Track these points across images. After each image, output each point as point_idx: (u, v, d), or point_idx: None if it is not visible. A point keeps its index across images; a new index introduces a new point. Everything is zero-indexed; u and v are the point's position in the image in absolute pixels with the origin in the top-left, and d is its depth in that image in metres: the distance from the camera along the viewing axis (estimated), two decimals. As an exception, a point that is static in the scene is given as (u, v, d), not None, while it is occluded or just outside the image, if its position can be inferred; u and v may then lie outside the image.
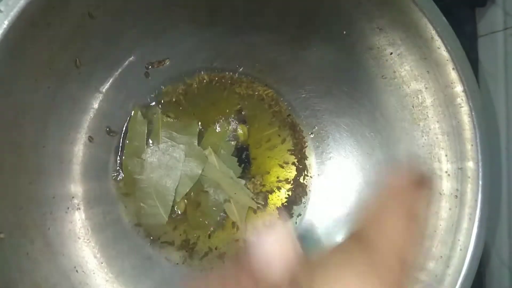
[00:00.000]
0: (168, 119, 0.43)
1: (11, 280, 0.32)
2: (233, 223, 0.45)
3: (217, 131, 0.44)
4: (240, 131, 0.45)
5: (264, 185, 0.46)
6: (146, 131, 0.42)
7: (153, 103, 0.43)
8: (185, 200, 0.43)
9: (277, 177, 0.46)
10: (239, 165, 0.45)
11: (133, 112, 0.42)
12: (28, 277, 0.33)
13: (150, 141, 0.43)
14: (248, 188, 0.45)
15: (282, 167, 0.46)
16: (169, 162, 0.42)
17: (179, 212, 0.43)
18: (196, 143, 0.43)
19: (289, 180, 0.46)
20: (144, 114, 0.42)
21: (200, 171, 0.43)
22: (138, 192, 0.42)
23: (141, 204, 0.42)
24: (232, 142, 0.45)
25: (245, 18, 0.40)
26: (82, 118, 0.38)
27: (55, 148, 0.37)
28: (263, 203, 0.46)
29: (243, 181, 0.45)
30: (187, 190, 0.43)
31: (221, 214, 0.44)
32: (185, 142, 0.43)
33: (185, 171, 0.43)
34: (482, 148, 0.36)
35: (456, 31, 0.36)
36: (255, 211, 0.45)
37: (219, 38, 0.41)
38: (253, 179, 0.45)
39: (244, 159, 0.45)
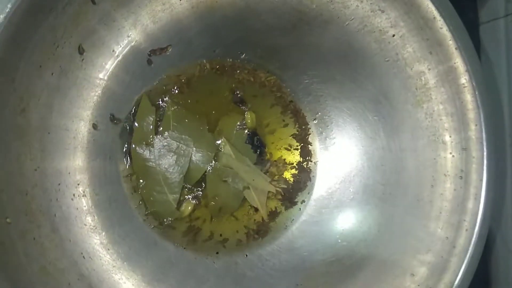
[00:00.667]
0: (179, 107, 0.43)
1: (18, 265, 0.32)
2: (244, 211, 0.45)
3: (228, 120, 0.45)
4: (248, 118, 0.45)
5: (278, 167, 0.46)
6: (154, 118, 0.42)
7: (157, 90, 0.43)
8: (192, 202, 0.44)
9: (284, 161, 0.46)
10: (254, 152, 0.45)
11: (142, 99, 0.42)
12: (36, 262, 0.33)
13: (160, 128, 0.43)
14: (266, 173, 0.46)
15: (288, 151, 0.46)
16: (178, 150, 0.43)
17: (184, 214, 0.44)
18: (206, 130, 0.44)
19: (293, 165, 0.46)
20: (152, 101, 0.42)
21: (211, 157, 0.44)
22: (146, 178, 0.42)
23: (150, 191, 0.42)
24: (245, 131, 0.45)
25: (247, 5, 0.40)
26: (85, 104, 0.38)
27: (60, 134, 0.37)
28: (286, 186, 0.46)
29: (259, 168, 0.45)
30: (199, 177, 0.44)
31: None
32: (196, 128, 0.43)
33: (197, 158, 0.43)
34: (487, 127, 0.36)
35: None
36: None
37: (221, 24, 0.41)
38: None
39: (257, 144, 0.46)
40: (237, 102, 0.45)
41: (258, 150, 0.46)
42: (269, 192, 0.45)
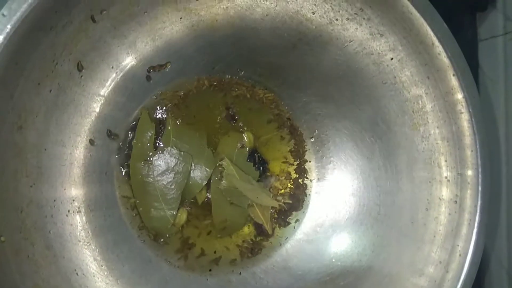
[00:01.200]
0: (179, 122, 0.43)
1: (12, 283, 0.32)
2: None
3: (228, 140, 0.45)
4: (246, 138, 0.45)
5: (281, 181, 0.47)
6: (154, 134, 0.42)
7: (156, 106, 0.43)
8: (186, 214, 0.44)
9: (287, 173, 0.47)
10: (256, 169, 0.46)
11: (141, 114, 0.42)
12: (30, 280, 0.33)
13: (161, 144, 0.43)
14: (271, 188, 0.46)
15: (284, 168, 0.47)
16: (176, 166, 0.43)
17: (179, 224, 0.43)
18: (205, 146, 0.44)
19: (290, 183, 0.47)
20: (151, 117, 0.43)
21: (211, 172, 0.44)
22: (144, 194, 0.42)
23: (147, 207, 0.42)
24: (246, 149, 0.45)
25: (247, 24, 0.40)
26: (83, 121, 0.38)
27: (56, 151, 0.37)
28: (291, 201, 0.46)
29: (262, 184, 0.46)
30: (198, 191, 0.44)
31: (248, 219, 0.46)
32: (195, 144, 0.44)
33: (195, 174, 0.43)
34: (482, 154, 0.36)
35: (457, 36, 0.36)
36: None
37: (220, 42, 0.41)
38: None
39: (259, 161, 0.46)
40: (229, 119, 0.45)
41: (261, 167, 0.46)
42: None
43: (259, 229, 0.45)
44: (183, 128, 0.43)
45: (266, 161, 0.46)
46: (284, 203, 0.46)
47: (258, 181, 0.46)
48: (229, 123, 0.45)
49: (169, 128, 0.43)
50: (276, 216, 0.46)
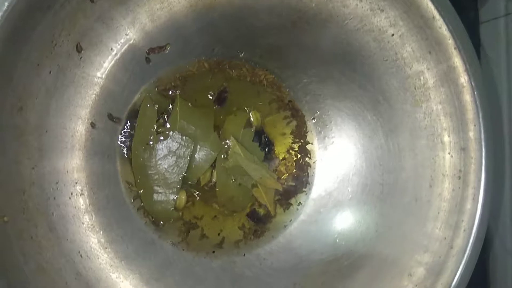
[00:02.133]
0: (186, 104, 0.43)
1: (15, 264, 0.32)
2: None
3: (235, 120, 0.45)
4: (252, 118, 0.45)
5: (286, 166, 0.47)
6: (156, 117, 0.42)
7: (157, 88, 0.43)
8: (185, 195, 0.44)
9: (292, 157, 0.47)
10: (262, 149, 0.46)
11: (143, 98, 0.42)
12: (33, 261, 0.33)
13: (168, 125, 0.43)
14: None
15: (287, 149, 0.47)
16: (178, 150, 0.43)
17: (180, 206, 0.43)
18: (212, 129, 0.44)
19: (293, 164, 0.46)
20: (154, 100, 0.43)
21: (215, 155, 0.44)
22: (145, 178, 0.42)
23: (148, 190, 0.42)
24: (252, 129, 0.45)
25: (245, 3, 0.40)
26: (84, 103, 0.38)
27: (58, 133, 0.37)
28: (294, 184, 0.46)
29: (266, 165, 0.46)
30: (200, 175, 0.44)
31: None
32: (202, 127, 0.43)
33: (200, 156, 0.44)
34: (485, 127, 0.36)
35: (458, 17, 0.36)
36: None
37: (219, 23, 0.41)
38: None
39: (266, 141, 0.46)
40: (217, 102, 0.45)
41: (267, 148, 0.46)
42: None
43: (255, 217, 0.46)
44: (190, 109, 0.43)
45: (272, 142, 0.46)
46: (287, 185, 0.46)
47: (262, 161, 0.46)
48: (219, 106, 0.45)
49: (177, 108, 0.43)
50: (280, 198, 0.46)
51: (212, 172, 0.45)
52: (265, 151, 0.46)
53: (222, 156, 0.44)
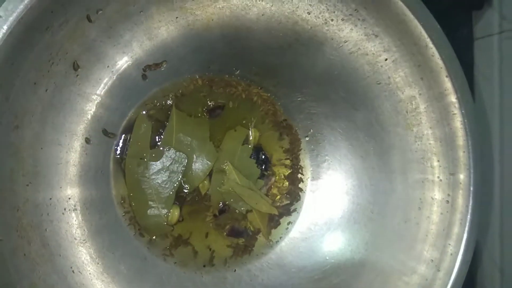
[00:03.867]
0: (182, 114, 0.44)
1: (9, 281, 0.32)
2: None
3: (234, 135, 0.45)
4: (252, 135, 0.46)
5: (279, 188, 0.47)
6: (150, 132, 0.42)
7: (152, 104, 0.43)
8: (178, 210, 0.44)
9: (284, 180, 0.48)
10: (259, 166, 0.46)
11: (138, 114, 0.42)
12: (26, 278, 0.33)
13: (162, 137, 0.43)
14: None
15: (280, 167, 0.47)
16: (171, 166, 0.43)
17: (172, 221, 0.44)
18: (208, 139, 0.44)
19: (284, 182, 0.47)
20: (149, 115, 0.43)
21: (211, 165, 0.44)
22: (138, 193, 0.42)
23: (141, 205, 0.43)
24: (250, 146, 0.46)
25: (242, 24, 0.40)
26: (79, 120, 0.38)
27: (53, 149, 0.37)
28: (288, 202, 0.47)
29: (262, 182, 0.46)
30: (200, 182, 0.44)
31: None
32: (198, 137, 0.44)
33: (196, 166, 0.44)
34: (474, 156, 0.37)
35: (452, 34, 0.37)
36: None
37: (216, 42, 0.41)
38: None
39: (263, 159, 0.46)
40: (209, 113, 0.45)
41: (264, 165, 0.46)
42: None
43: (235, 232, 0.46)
44: (186, 120, 0.44)
45: (269, 159, 0.47)
46: (281, 206, 0.46)
47: (259, 178, 0.46)
48: (211, 118, 0.45)
49: (173, 119, 0.43)
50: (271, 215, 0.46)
51: (210, 181, 0.45)
52: (262, 168, 0.46)
53: (219, 181, 0.45)
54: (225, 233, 0.45)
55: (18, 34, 0.30)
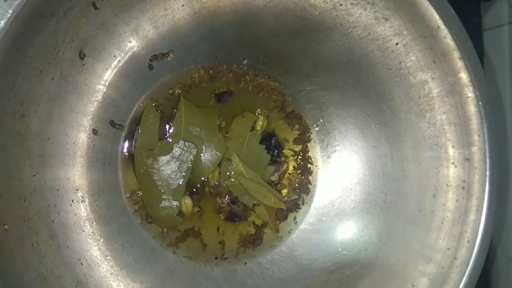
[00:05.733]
0: (190, 104, 0.43)
1: (16, 272, 0.32)
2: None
3: (242, 121, 0.45)
4: (259, 121, 0.45)
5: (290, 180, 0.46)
6: (158, 123, 0.42)
7: (159, 95, 0.43)
8: (190, 200, 0.43)
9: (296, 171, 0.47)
10: (268, 152, 0.45)
11: (146, 104, 0.42)
12: (33, 269, 0.33)
13: (172, 128, 0.43)
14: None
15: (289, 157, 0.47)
16: (181, 156, 0.42)
17: (187, 212, 0.43)
18: (217, 129, 0.44)
19: (296, 172, 0.46)
20: (157, 106, 0.42)
21: (221, 156, 0.44)
22: (148, 184, 0.42)
23: (151, 197, 0.42)
24: (259, 132, 0.45)
25: (249, 11, 0.40)
26: (86, 110, 0.38)
27: (59, 139, 0.36)
28: (296, 197, 0.46)
29: (273, 168, 0.46)
30: (209, 173, 0.44)
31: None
32: (207, 128, 0.43)
33: (206, 157, 0.44)
34: (490, 138, 0.36)
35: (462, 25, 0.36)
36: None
37: (223, 30, 0.41)
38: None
39: (275, 144, 0.46)
40: (218, 98, 0.45)
41: (276, 151, 0.46)
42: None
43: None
44: (194, 109, 0.43)
45: (282, 145, 0.46)
46: (290, 201, 0.45)
47: (269, 164, 0.45)
48: (220, 103, 0.45)
49: (181, 109, 0.43)
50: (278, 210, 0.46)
51: (219, 171, 0.44)
52: (274, 153, 0.46)
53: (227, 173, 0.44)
54: (222, 217, 0.44)
55: (23, 19, 0.29)
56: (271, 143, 0.46)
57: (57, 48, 0.34)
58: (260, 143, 0.45)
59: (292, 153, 0.46)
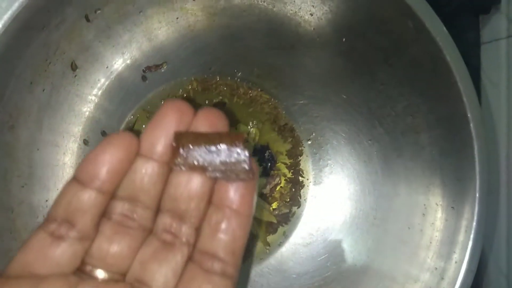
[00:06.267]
0: None
1: (1, 284, 0.32)
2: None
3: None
4: (252, 134, 0.45)
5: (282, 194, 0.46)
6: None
7: (152, 106, 0.43)
8: None
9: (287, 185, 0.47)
10: (263, 164, 0.45)
11: (139, 115, 0.42)
12: (18, 281, 0.33)
13: None
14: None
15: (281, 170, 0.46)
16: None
17: None
18: None
19: (287, 184, 0.46)
20: (149, 117, 0.42)
21: None
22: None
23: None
24: (252, 143, 0.45)
25: (244, 25, 0.40)
26: (77, 121, 0.38)
27: (49, 150, 0.36)
28: (288, 210, 0.46)
29: (264, 180, 0.45)
30: None
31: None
32: None
33: None
34: (480, 161, 0.36)
35: (459, 38, 0.36)
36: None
37: (217, 43, 0.41)
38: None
39: (268, 158, 0.46)
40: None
41: (269, 164, 0.45)
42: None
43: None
44: None
45: (275, 159, 0.46)
46: (280, 214, 0.45)
47: (260, 176, 0.45)
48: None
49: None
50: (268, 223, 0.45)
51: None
52: (268, 166, 0.45)
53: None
54: None
55: (13, 32, 0.29)
56: (265, 156, 0.46)
57: (48, 60, 0.34)
58: (253, 155, 0.45)
59: (284, 166, 0.46)
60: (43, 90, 0.34)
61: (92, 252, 0.22)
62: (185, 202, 0.22)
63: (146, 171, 0.22)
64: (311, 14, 0.38)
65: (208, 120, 0.22)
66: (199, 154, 0.22)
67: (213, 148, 0.22)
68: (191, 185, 0.22)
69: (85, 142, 0.39)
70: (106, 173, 0.21)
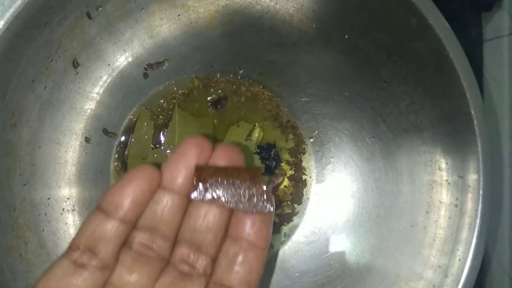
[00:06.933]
0: (185, 113, 0.43)
1: (3, 282, 0.32)
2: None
3: (237, 131, 0.45)
4: (255, 133, 0.45)
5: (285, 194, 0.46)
6: (152, 131, 0.42)
7: (153, 104, 0.42)
8: None
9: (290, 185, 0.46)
10: (262, 163, 0.45)
11: (140, 112, 0.42)
12: (21, 280, 0.33)
13: (165, 137, 0.43)
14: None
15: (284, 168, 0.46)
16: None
17: None
18: (211, 139, 0.43)
19: (288, 183, 0.46)
20: (151, 114, 0.42)
21: None
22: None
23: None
24: (254, 142, 0.45)
25: (246, 22, 0.40)
26: (79, 118, 0.38)
27: (51, 148, 0.36)
28: (291, 211, 0.45)
29: (267, 179, 0.45)
30: None
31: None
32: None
33: None
34: (484, 158, 0.36)
35: (461, 35, 0.35)
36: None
37: (219, 40, 0.41)
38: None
39: (274, 156, 0.45)
40: (214, 105, 0.44)
41: (274, 163, 0.45)
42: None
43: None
44: (189, 118, 0.43)
45: (281, 159, 0.46)
46: (283, 214, 0.45)
47: (263, 174, 0.45)
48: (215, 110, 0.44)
49: (176, 118, 0.42)
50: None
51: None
52: (273, 165, 0.45)
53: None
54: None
55: (15, 30, 0.29)
56: (270, 154, 0.46)
57: (50, 57, 0.34)
58: (259, 153, 0.45)
59: (287, 164, 0.46)
60: (45, 88, 0.34)
61: (113, 281, 0.22)
62: (203, 234, 0.23)
63: (167, 203, 0.23)
64: (313, 11, 0.38)
65: (226, 155, 0.23)
66: (218, 187, 0.23)
67: (231, 181, 0.23)
68: (209, 217, 0.23)
69: (87, 139, 0.39)
70: (130, 203, 0.22)
